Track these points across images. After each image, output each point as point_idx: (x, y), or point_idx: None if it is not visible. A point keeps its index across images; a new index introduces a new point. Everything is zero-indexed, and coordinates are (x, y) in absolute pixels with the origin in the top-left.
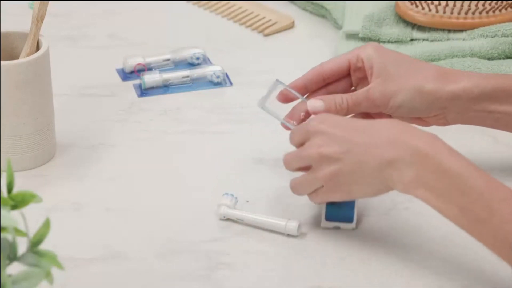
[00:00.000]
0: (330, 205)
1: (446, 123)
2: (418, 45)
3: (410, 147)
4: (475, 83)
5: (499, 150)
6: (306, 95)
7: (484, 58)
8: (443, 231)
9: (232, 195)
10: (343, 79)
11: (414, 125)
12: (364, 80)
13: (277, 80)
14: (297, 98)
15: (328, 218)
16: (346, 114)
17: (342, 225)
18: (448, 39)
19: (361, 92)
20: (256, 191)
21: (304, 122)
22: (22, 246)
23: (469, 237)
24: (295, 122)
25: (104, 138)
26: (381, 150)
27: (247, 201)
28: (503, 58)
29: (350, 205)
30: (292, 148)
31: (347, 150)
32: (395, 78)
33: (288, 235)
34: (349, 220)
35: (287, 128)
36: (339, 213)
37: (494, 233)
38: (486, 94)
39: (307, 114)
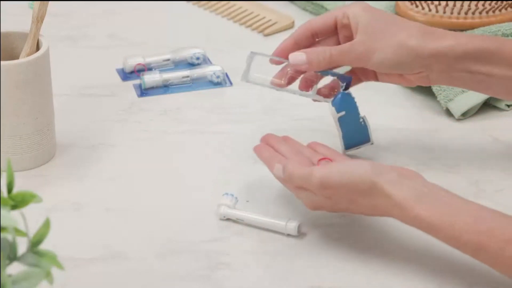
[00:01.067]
0: (345, 136)
1: (428, 82)
2: None
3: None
4: (459, 42)
5: (499, 150)
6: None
7: None
8: None
9: (232, 195)
10: (331, 36)
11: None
12: (350, 39)
13: (251, 52)
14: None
15: (347, 147)
16: (328, 66)
17: (362, 146)
18: None
19: (345, 45)
20: (256, 191)
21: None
22: (22, 246)
23: None
24: (284, 80)
25: (104, 138)
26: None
27: (247, 201)
28: None
29: (363, 129)
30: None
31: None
32: (379, 35)
33: (288, 235)
34: (367, 140)
35: (277, 84)
36: (355, 139)
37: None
38: (470, 54)
39: (296, 73)
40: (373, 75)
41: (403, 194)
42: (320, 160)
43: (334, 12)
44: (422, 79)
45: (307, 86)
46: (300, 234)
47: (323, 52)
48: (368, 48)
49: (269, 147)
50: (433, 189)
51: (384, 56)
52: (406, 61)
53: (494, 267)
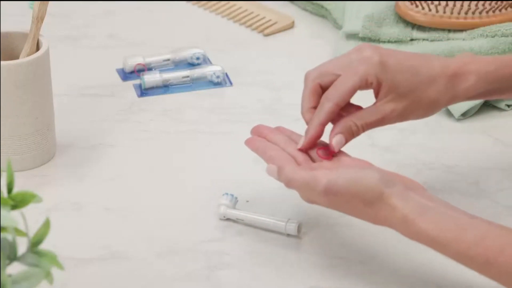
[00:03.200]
0: None
1: None
2: (418, 45)
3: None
4: (482, 80)
5: (499, 150)
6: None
7: None
8: None
9: (232, 195)
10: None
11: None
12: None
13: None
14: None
15: None
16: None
17: None
18: (448, 39)
19: (374, 114)
20: (256, 191)
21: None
22: (22, 246)
23: None
24: None
25: (104, 138)
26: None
27: (247, 201)
28: None
29: None
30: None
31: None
32: (407, 94)
33: (288, 235)
34: None
35: None
36: None
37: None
38: (492, 89)
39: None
40: None
41: (408, 207)
42: (319, 149)
43: (354, 81)
44: None
45: None
46: (300, 234)
47: (356, 128)
48: (401, 115)
49: (261, 138)
50: (438, 204)
51: (417, 118)
52: (438, 110)
53: (503, 284)
